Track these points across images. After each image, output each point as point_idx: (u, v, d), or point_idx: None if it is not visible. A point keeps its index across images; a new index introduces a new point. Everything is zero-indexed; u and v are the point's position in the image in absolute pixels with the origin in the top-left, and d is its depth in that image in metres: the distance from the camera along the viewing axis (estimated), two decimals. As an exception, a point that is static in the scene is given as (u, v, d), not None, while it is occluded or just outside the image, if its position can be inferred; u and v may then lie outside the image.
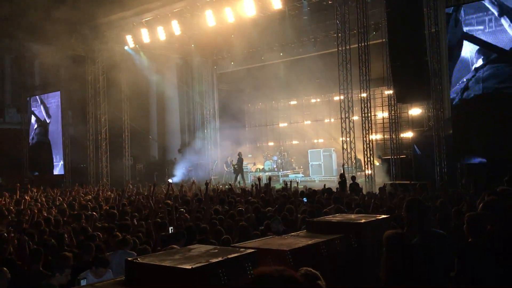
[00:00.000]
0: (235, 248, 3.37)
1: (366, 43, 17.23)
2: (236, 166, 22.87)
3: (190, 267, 2.72)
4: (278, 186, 17.23)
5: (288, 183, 13.59)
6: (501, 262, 3.84)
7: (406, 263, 3.03)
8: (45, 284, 4.90)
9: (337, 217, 5.03)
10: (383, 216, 5.05)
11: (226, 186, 15.71)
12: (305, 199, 10.69)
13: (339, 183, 14.21)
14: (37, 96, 26.11)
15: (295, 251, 3.62)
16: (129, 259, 3.13)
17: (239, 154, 23.10)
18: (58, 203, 12.09)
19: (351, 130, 17.65)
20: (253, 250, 3.18)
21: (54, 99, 24.94)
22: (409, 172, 16.96)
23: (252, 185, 13.79)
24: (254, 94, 26.18)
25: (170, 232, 7.00)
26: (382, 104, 20.40)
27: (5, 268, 4.88)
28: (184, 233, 6.54)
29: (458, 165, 15.29)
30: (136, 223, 8.08)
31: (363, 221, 4.54)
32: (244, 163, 23.82)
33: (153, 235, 7.05)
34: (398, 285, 2.95)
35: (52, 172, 24.66)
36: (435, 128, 16.28)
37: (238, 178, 22.45)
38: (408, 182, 13.84)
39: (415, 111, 19.16)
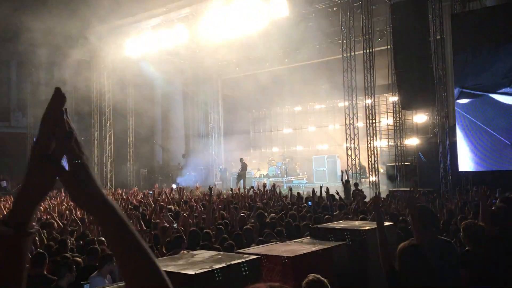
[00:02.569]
0: (239, 254, 3.36)
1: (371, 50, 17.26)
2: (240, 172, 22.54)
3: (193, 273, 2.71)
4: (284, 191, 17.15)
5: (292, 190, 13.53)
6: (498, 269, 3.82)
7: (422, 272, 3.02)
8: (54, 287, 4.89)
9: (341, 224, 5.00)
10: (388, 223, 5.03)
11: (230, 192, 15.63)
12: (309, 203, 10.69)
13: (344, 189, 14.17)
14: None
15: (298, 257, 3.61)
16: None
17: (241, 160, 22.69)
18: (61, 207, 12.07)
19: (355, 137, 17.62)
20: (256, 257, 3.17)
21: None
22: (414, 179, 16.87)
23: (255, 189, 13.73)
24: (259, 99, 26.20)
25: (174, 227, 7.04)
26: (387, 111, 20.36)
27: None
28: (183, 238, 6.52)
29: (463, 173, 15.21)
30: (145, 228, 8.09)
31: (367, 228, 4.51)
32: (248, 168, 23.63)
33: (160, 240, 7.04)
34: None
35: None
36: (440, 135, 16.22)
37: (240, 184, 22.11)
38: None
39: (420, 118, 19.10)
